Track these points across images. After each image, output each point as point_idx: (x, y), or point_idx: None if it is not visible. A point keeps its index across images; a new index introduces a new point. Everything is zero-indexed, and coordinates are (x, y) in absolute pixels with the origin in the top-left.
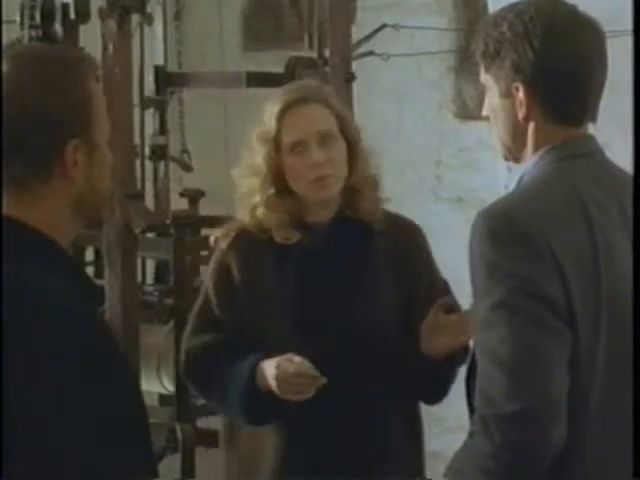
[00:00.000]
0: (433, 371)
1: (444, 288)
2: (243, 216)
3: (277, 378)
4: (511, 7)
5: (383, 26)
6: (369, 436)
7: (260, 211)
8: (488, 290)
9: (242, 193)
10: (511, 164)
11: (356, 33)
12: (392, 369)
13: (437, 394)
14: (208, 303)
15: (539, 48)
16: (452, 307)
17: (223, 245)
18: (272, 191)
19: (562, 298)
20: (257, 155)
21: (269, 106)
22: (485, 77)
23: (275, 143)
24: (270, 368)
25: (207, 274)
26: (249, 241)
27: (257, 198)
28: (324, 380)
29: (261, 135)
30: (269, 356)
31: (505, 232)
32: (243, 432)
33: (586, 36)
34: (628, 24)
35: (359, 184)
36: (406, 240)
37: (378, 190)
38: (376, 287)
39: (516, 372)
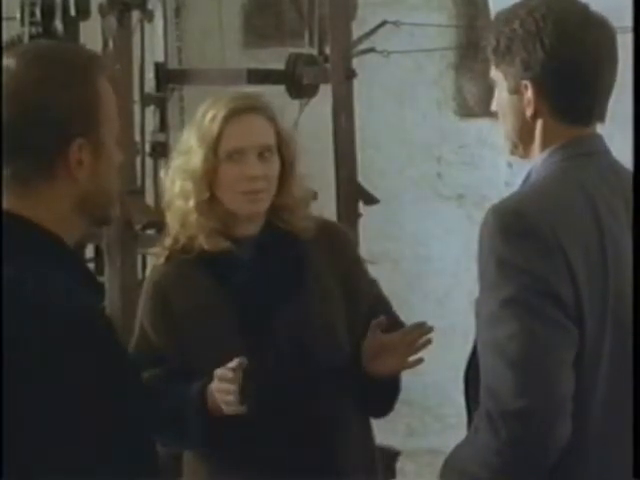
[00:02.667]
0: (377, 388)
1: (378, 291)
2: (172, 222)
3: (218, 389)
4: (523, 4)
5: (383, 23)
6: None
7: (193, 218)
8: (497, 286)
9: (173, 196)
10: (511, 161)
11: (356, 30)
12: (342, 381)
13: (382, 410)
14: (145, 334)
15: (550, 47)
16: (392, 324)
17: (154, 272)
18: (207, 196)
19: (571, 296)
20: (194, 157)
21: (212, 109)
22: (495, 73)
23: (214, 147)
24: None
25: (140, 303)
26: (180, 262)
27: (190, 203)
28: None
29: (201, 137)
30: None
31: (517, 229)
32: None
33: (597, 36)
34: (628, 21)
35: (290, 204)
36: (336, 243)
37: (309, 208)
38: (318, 292)
39: (524, 369)
